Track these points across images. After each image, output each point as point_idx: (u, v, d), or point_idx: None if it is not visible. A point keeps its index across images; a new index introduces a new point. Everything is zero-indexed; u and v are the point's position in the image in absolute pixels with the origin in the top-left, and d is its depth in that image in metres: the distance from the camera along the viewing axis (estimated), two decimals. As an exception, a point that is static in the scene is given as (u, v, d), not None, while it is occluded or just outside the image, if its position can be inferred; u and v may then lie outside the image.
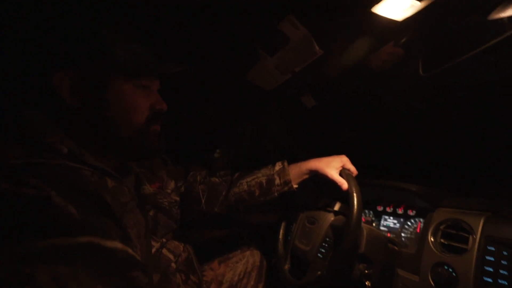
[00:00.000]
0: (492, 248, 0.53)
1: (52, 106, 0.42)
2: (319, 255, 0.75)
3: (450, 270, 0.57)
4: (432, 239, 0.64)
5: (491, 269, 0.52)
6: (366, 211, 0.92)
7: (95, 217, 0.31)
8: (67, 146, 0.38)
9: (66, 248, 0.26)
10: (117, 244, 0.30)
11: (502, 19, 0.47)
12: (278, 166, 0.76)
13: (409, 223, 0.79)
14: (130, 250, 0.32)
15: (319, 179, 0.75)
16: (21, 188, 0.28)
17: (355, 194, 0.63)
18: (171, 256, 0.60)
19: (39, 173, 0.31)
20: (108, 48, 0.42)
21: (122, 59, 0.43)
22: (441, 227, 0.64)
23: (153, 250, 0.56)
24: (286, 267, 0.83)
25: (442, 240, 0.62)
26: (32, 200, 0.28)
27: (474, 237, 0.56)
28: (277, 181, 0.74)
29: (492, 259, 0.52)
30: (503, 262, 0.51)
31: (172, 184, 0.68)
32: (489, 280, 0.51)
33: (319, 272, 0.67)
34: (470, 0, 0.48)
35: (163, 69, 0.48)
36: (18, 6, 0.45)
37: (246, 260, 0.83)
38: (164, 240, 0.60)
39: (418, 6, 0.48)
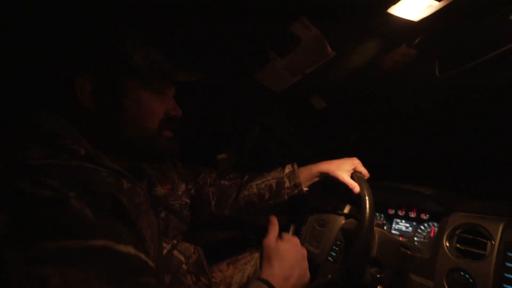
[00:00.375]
0: (513, 255, 0.52)
1: (69, 108, 0.42)
2: (329, 258, 0.74)
3: (467, 276, 0.55)
4: (447, 244, 0.62)
5: (511, 276, 0.50)
6: (377, 214, 0.91)
7: (110, 220, 0.31)
8: (84, 147, 0.38)
9: (79, 251, 0.26)
10: (130, 249, 0.30)
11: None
12: (288, 168, 0.76)
13: (422, 227, 0.77)
14: (142, 256, 0.31)
15: (330, 182, 0.74)
16: (39, 189, 0.29)
17: (367, 197, 0.62)
18: (182, 258, 0.60)
19: (57, 174, 0.31)
20: (128, 55, 0.43)
21: (141, 66, 0.44)
22: (457, 231, 0.62)
23: (164, 251, 0.56)
24: (296, 270, 0.83)
25: (458, 245, 0.61)
26: (48, 202, 0.28)
27: (493, 242, 0.55)
28: (287, 184, 0.74)
29: (512, 266, 0.51)
30: (524, 269, 0.49)
31: (183, 186, 0.68)
32: (510, 287, 0.50)
33: (329, 276, 0.66)
34: (490, 0, 0.46)
35: (180, 78, 0.49)
36: (43, 9, 0.46)
37: (255, 262, 0.82)
38: (175, 241, 0.61)
39: (436, 6, 0.47)
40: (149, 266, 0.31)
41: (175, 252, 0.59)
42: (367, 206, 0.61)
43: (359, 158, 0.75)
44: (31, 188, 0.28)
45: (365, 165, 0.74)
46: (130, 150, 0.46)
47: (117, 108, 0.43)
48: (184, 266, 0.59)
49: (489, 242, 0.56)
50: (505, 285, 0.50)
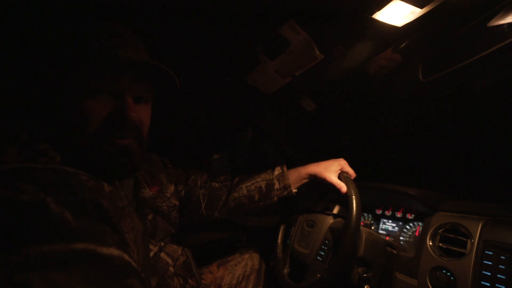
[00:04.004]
0: (490, 253, 0.53)
1: (41, 111, 0.40)
2: (318, 258, 0.75)
3: (448, 274, 0.57)
4: (430, 243, 0.64)
5: (489, 274, 0.52)
6: (365, 214, 0.92)
7: (90, 223, 0.31)
8: (60, 153, 0.37)
9: (61, 255, 0.26)
10: (113, 251, 0.30)
11: (501, 25, 0.48)
12: (277, 170, 0.77)
13: (408, 227, 0.79)
14: (126, 256, 0.31)
15: (318, 183, 0.75)
16: (15, 193, 0.28)
17: (354, 196, 0.64)
18: (169, 260, 0.59)
19: (34, 178, 0.31)
20: (80, 43, 0.39)
21: (91, 55, 0.38)
22: (440, 231, 0.64)
23: (151, 253, 0.55)
24: (285, 271, 0.83)
25: (440, 244, 0.63)
26: (26, 206, 0.28)
27: (473, 241, 0.57)
28: (277, 185, 0.74)
29: (490, 263, 0.53)
30: (501, 266, 0.51)
31: (171, 188, 0.68)
32: (487, 284, 0.51)
33: (318, 275, 0.67)
34: (470, 7, 0.48)
35: (136, 65, 0.40)
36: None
37: (245, 263, 0.83)
38: (162, 243, 0.60)
39: (418, 12, 0.49)
40: (133, 267, 0.31)
41: (162, 255, 0.58)
42: (354, 204, 0.62)
43: (348, 159, 0.76)
44: (7, 193, 0.28)
45: (353, 165, 0.75)
46: (85, 158, 0.40)
47: (57, 109, 0.40)
48: (171, 268, 0.59)
49: (469, 240, 0.58)
50: (483, 282, 0.52)
